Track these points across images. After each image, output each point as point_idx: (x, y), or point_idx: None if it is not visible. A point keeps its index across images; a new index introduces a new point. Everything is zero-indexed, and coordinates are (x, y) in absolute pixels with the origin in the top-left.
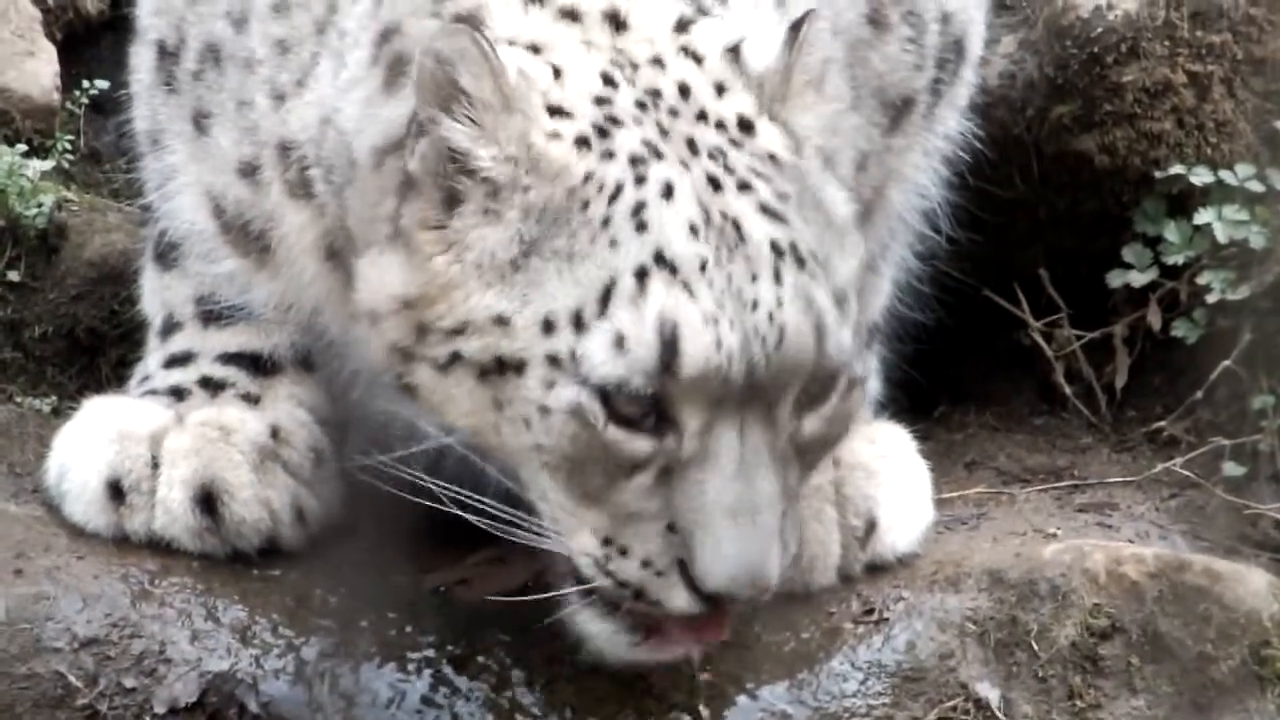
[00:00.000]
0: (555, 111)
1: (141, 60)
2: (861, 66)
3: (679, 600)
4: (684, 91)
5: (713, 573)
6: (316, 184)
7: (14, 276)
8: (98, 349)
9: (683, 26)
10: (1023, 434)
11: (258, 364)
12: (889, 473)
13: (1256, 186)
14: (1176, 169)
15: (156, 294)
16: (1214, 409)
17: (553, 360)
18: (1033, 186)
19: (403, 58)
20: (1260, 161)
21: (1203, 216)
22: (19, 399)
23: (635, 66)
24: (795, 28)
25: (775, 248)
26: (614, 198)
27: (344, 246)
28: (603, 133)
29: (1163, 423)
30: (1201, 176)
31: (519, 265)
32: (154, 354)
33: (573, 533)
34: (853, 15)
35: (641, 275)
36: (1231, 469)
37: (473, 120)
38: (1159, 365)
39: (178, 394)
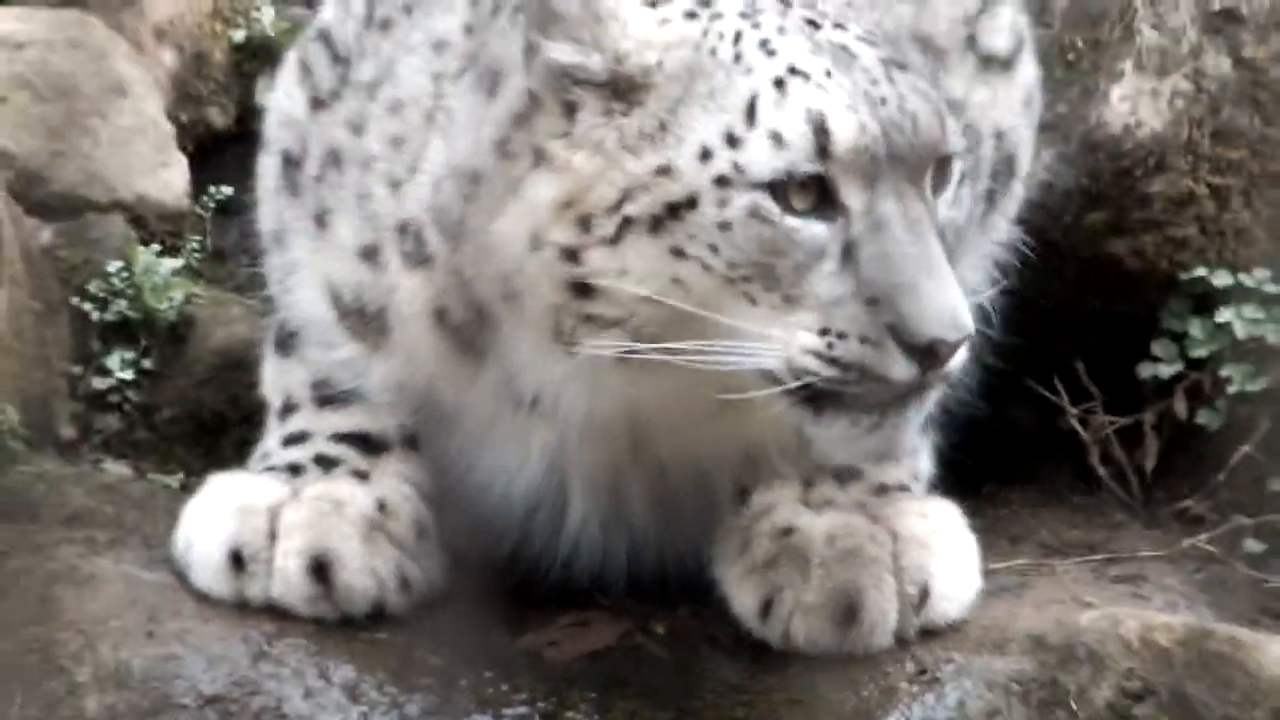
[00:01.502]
0: (652, 3)
1: (267, 169)
2: None
3: (898, 368)
4: None
5: (922, 323)
6: (430, 244)
7: (147, 364)
8: (221, 430)
9: None
10: (1062, 511)
11: (368, 443)
12: (941, 545)
13: (1272, 288)
14: (1200, 271)
15: (276, 379)
16: (1235, 490)
17: (720, 181)
18: (1069, 286)
19: (495, 69)
20: (1275, 265)
21: (1224, 315)
22: (151, 476)
23: None
24: None
25: (881, 61)
26: (738, 39)
27: (451, 306)
28: (705, 1)
29: (1189, 502)
30: (1222, 279)
31: (666, 124)
32: (273, 433)
33: (791, 337)
34: None
35: (779, 84)
36: (1252, 546)
37: (572, 38)
38: (1185, 450)
39: (294, 470)
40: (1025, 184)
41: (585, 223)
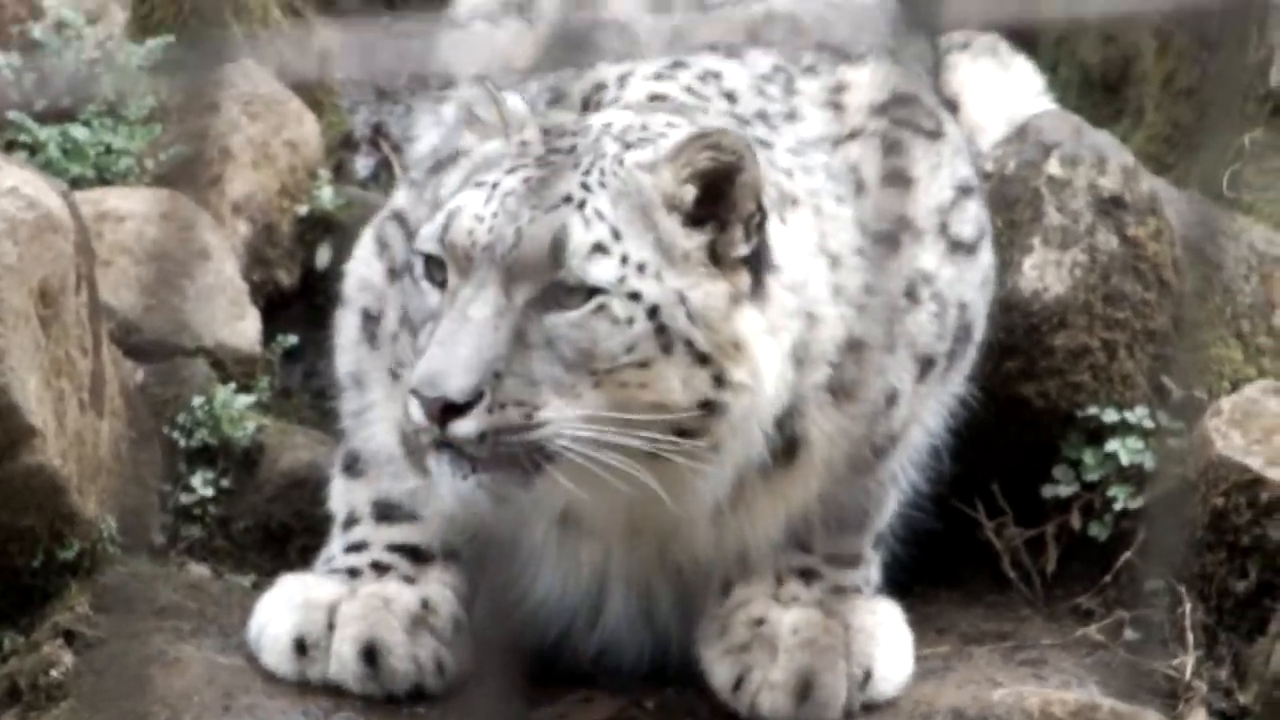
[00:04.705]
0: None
1: (348, 322)
2: (899, 324)
3: (412, 411)
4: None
5: (413, 376)
6: None
7: (225, 484)
8: (288, 539)
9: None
10: (979, 607)
11: (416, 554)
12: (883, 636)
13: (1149, 424)
14: (1093, 410)
15: (342, 496)
16: (1118, 590)
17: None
18: (988, 422)
19: None
20: (1152, 405)
21: (1111, 446)
22: (228, 576)
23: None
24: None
25: (567, 198)
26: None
27: None
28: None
29: (1082, 599)
30: (1110, 416)
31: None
32: (336, 541)
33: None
34: (895, 287)
35: (479, 184)
36: (1131, 634)
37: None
38: (1079, 557)
39: (353, 573)
40: (979, 349)
41: None
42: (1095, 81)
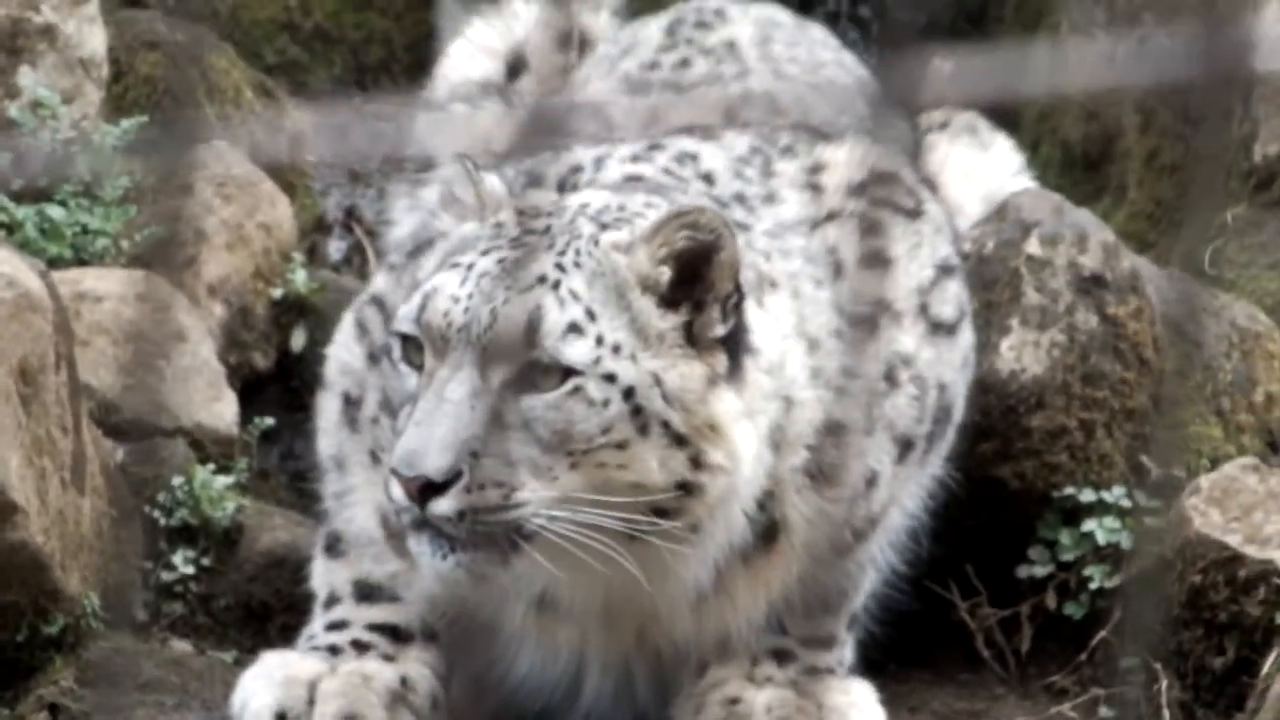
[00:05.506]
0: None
1: (329, 405)
2: (877, 408)
3: (393, 491)
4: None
5: (392, 457)
6: None
7: (206, 562)
8: (267, 617)
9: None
10: (951, 686)
11: (396, 633)
12: (856, 717)
13: (1126, 503)
14: (1069, 490)
15: (323, 576)
16: (1094, 668)
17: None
18: (963, 503)
19: None
20: (1129, 485)
21: (1087, 526)
22: (209, 652)
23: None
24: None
25: (542, 279)
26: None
27: None
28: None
29: (1056, 678)
30: (1087, 496)
31: None
32: (318, 619)
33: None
34: (873, 370)
35: (454, 266)
36: (1106, 713)
37: None
38: (1054, 635)
39: (334, 650)
40: (958, 431)
41: None
42: (1077, 159)
